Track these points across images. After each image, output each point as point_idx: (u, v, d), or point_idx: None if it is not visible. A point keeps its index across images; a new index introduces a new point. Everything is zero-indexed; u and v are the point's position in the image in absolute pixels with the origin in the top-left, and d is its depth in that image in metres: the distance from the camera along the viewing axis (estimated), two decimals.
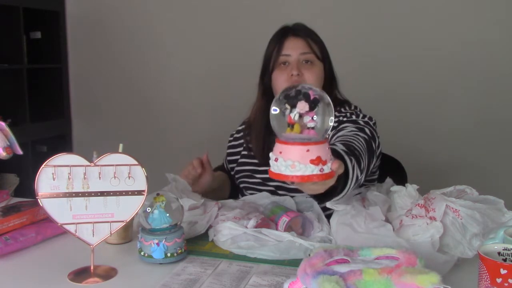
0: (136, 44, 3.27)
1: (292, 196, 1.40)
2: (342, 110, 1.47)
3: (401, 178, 1.69)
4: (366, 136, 1.28)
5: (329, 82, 1.50)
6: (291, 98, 0.85)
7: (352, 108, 1.50)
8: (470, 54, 2.60)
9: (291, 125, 0.85)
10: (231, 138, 1.68)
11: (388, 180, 1.34)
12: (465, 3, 2.59)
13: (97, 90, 3.44)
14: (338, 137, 1.28)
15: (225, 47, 3.03)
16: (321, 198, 1.08)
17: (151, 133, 3.30)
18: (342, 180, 1.03)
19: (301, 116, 0.84)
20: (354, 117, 1.41)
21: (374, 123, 1.42)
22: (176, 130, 3.25)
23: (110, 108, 3.41)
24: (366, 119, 1.41)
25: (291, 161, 0.82)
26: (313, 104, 0.84)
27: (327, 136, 0.88)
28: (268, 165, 1.04)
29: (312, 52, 1.45)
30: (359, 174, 1.10)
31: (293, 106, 0.84)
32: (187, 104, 3.19)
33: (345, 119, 1.40)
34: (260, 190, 1.50)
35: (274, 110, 0.87)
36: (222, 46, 3.04)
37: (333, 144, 1.15)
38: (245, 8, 2.97)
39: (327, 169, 0.83)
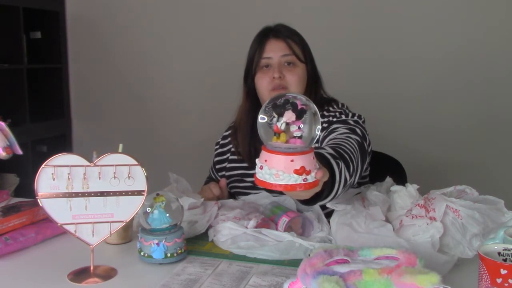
0: (136, 44, 3.27)
1: None
2: (331, 109, 1.46)
3: (401, 178, 1.69)
4: (358, 138, 1.28)
5: (313, 83, 1.50)
6: (278, 107, 0.86)
7: (340, 106, 1.50)
8: (470, 53, 2.60)
9: (277, 134, 0.85)
10: (217, 146, 1.67)
11: (388, 179, 1.33)
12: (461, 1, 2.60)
13: (97, 90, 3.44)
14: (330, 140, 1.28)
15: (226, 47, 3.03)
16: (308, 202, 1.07)
17: (151, 133, 3.30)
18: (329, 184, 1.02)
19: (288, 125, 0.84)
20: (343, 116, 1.41)
21: (363, 121, 1.43)
22: (176, 130, 3.25)
23: (110, 108, 3.41)
24: (355, 117, 1.41)
25: (275, 170, 0.83)
26: (300, 114, 0.84)
27: (313, 145, 0.89)
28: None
29: (293, 53, 1.45)
30: (347, 177, 1.10)
31: (280, 115, 0.85)
32: (187, 104, 3.19)
33: (334, 119, 1.40)
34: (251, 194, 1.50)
35: (262, 118, 0.87)
36: (222, 47, 3.04)
37: (322, 148, 1.14)
38: (243, 9, 2.97)
39: (311, 178, 0.84)
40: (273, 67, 1.44)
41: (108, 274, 1.06)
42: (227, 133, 1.65)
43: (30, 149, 3.10)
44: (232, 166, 1.59)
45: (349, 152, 1.16)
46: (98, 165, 1.04)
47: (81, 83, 3.48)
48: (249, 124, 1.52)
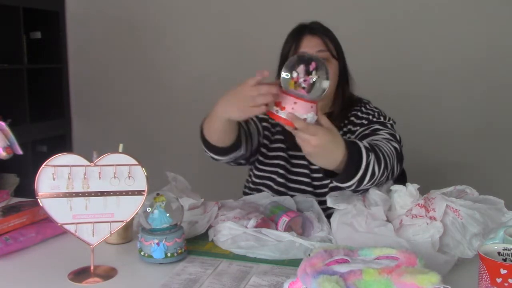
0: (136, 44, 3.27)
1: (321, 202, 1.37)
2: (368, 107, 1.51)
3: (401, 178, 1.69)
4: (397, 145, 1.32)
5: (344, 80, 1.52)
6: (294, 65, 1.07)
7: (373, 106, 1.54)
8: (469, 54, 2.60)
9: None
10: (265, 123, 1.56)
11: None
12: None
13: (97, 90, 3.43)
14: (371, 139, 1.31)
15: (226, 46, 3.03)
16: (331, 175, 1.17)
17: (151, 133, 3.30)
18: (353, 169, 1.13)
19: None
20: (382, 118, 1.45)
21: (395, 123, 1.48)
22: (176, 130, 3.25)
23: (110, 108, 3.41)
24: (391, 121, 1.46)
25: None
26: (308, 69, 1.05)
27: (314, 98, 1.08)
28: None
29: (328, 50, 1.46)
30: (376, 171, 1.16)
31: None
32: (188, 104, 3.19)
33: (374, 119, 1.44)
34: (279, 192, 1.48)
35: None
36: (222, 46, 3.04)
37: (361, 142, 1.22)
38: (247, 9, 2.97)
39: (282, 114, 1.06)
40: None
41: (108, 274, 1.06)
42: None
43: (30, 149, 3.10)
44: (277, 155, 1.53)
45: (384, 152, 1.21)
46: (98, 165, 1.04)
47: (81, 83, 3.48)
48: None
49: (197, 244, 1.21)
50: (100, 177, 1.04)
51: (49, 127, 3.35)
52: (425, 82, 2.69)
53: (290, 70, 1.06)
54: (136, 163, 1.05)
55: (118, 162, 1.04)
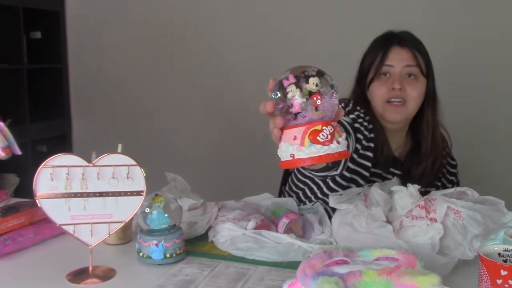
0: (136, 44, 3.27)
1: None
2: (452, 162, 1.50)
3: None
4: None
5: (431, 102, 1.41)
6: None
7: (450, 150, 1.48)
8: (469, 52, 2.60)
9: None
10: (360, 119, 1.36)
11: (394, 179, 1.32)
12: None
13: (97, 90, 3.43)
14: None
15: (227, 48, 3.03)
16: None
17: (150, 133, 3.30)
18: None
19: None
20: (455, 179, 1.45)
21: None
22: (175, 130, 3.25)
23: (110, 108, 3.41)
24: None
25: None
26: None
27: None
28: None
29: (417, 65, 1.34)
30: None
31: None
32: (187, 104, 3.19)
33: (455, 179, 1.46)
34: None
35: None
36: (222, 47, 3.04)
37: None
38: (245, 10, 2.97)
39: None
40: (393, 77, 1.34)
41: (107, 274, 1.05)
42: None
43: (30, 149, 3.10)
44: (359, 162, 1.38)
45: None
46: (97, 166, 1.03)
47: (81, 83, 3.48)
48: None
49: (196, 245, 1.20)
50: (98, 178, 1.03)
51: (49, 127, 3.35)
52: None
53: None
54: (135, 163, 1.05)
55: (116, 163, 1.04)
